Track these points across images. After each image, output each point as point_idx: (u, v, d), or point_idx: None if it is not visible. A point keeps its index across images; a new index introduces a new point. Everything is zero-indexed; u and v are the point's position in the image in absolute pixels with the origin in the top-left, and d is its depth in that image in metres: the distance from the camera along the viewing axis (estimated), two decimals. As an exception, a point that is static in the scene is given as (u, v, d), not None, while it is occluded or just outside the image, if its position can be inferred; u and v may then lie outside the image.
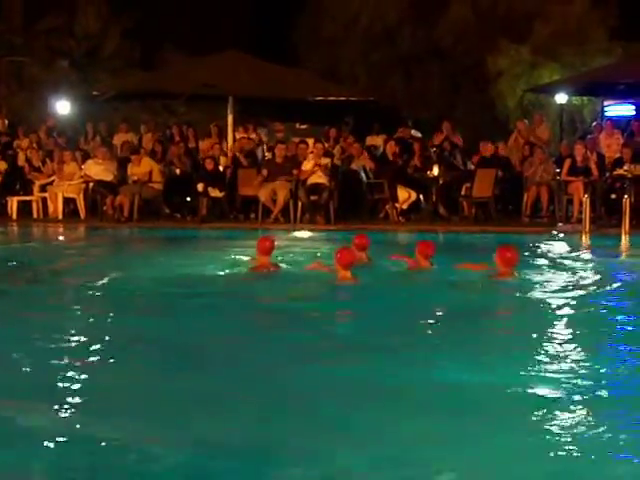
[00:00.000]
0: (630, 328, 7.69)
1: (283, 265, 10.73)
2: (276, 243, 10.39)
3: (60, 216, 19.37)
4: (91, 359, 6.33)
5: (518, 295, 9.00)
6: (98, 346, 6.68)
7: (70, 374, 5.88)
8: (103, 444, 4.54)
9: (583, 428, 4.76)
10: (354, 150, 19.20)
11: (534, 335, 7.04)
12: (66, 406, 5.13)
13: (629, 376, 5.95)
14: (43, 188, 19.81)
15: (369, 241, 10.74)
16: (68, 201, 19.64)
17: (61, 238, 17.55)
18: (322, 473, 4.23)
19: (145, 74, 24.12)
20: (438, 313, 8.15)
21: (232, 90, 20.12)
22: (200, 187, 18.59)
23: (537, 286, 9.37)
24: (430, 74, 27.19)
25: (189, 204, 19.15)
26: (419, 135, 20.34)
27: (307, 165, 18.29)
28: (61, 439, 4.60)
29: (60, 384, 5.60)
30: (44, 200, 19.77)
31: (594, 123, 21.32)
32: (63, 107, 22.93)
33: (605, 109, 22.93)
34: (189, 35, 27.95)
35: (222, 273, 10.68)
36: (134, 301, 9.03)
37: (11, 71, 26.67)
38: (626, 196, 15.54)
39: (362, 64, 27.84)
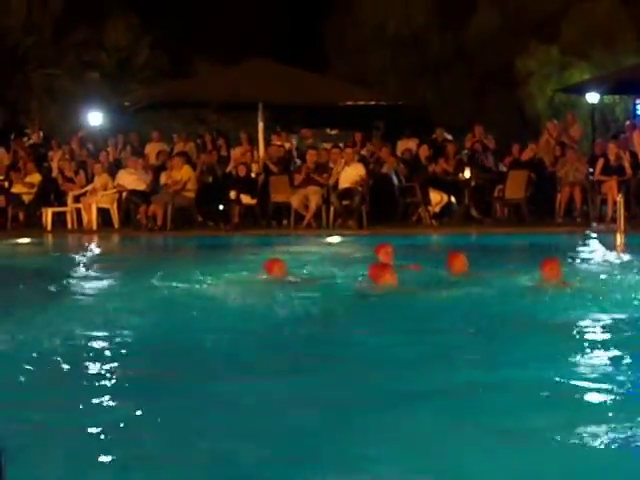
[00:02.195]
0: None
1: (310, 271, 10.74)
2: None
3: (94, 226, 19.50)
4: (120, 370, 6.42)
5: (553, 297, 8.94)
6: (125, 358, 6.79)
7: (99, 380, 5.97)
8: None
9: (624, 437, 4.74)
10: (383, 154, 19.21)
11: (571, 339, 7.02)
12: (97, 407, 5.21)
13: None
14: (77, 199, 19.96)
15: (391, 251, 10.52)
16: (102, 211, 19.77)
17: (96, 248, 17.66)
18: None
19: (175, 83, 24.23)
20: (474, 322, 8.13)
21: (262, 98, 20.20)
22: (232, 194, 18.67)
23: (573, 287, 9.30)
24: (459, 77, 27.12)
25: (222, 212, 19.22)
26: (450, 138, 20.31)
27: (338, 169, 18.33)
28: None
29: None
30: (78, 211, 19.91)
31: (627, 122, 21.18)
32: (95, 118, 23.10)
33: (637, 107, 22.76)
34: (218, 44, 28.05)
35: (248, 280, 10.66)
36: (165, 309, 9.11)
37: (43, 84, 26.90)
38: (660, 195, 15.43)
39: (391, 69, 27.81)
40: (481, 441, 4.59)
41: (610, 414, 5.04)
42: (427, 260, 12.30)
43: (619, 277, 10.49)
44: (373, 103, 21.39)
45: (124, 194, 19.57)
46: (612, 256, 13.01)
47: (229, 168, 19.93)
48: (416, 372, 6.10)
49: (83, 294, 10.20)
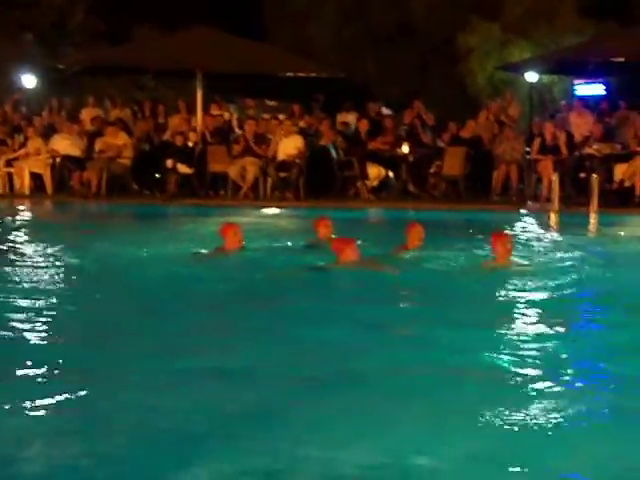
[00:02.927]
0: (596, 305, 7.75)
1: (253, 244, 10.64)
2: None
3: (27, 191, 19.15)
4: (47, 334, 6.31)
5: (485, 274, 8.98)
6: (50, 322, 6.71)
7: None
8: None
9: (539, 408, 4.78)
10: (323, 127, 19.11)
11: (500, 316, 7.07)
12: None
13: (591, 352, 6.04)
14: (9, 163, 19.57)
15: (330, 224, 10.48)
16: (35, 176, 19.41)
17: (28, 214, 17.36)
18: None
19: (112, 48, 23.79)
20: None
21: (201, 66, 19.96)
22: (169, 163, 18.47)
23: (509, 265, 9.34)
24: (401, 51, 27.06)
25: (158, 180, 18.99)
26: (390, 112, 20.27)
27: (277, 140, 18.23)
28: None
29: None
30: (10, 175, 19.54)
31: (563, 102, 21.35)
32: (29, 81, 22.61)
33: (575, 88, 22.96)
34: (157, 9, 27.60)
35: (184, 251, 10.53)
36: (92, 277, 9.01)
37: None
38: (595, 175, 15.57)
39: (332, 40, 27.65)
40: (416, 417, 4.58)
41: (543, 390, 5.07)
42: (366, 234, 12.30)
43: (552, 255, 10.60)
44: (314, 75, 21.24)
45: (58, 159, 19.24)
46: (546, 234, 13.15)
47: (166, 136, 19.70)
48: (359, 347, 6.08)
49: (10, 260, 10.00)
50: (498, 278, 8.73)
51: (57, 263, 9.85)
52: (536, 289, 8.30)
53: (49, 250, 10.81)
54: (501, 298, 7.98)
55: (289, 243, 11.27)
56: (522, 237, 12.46)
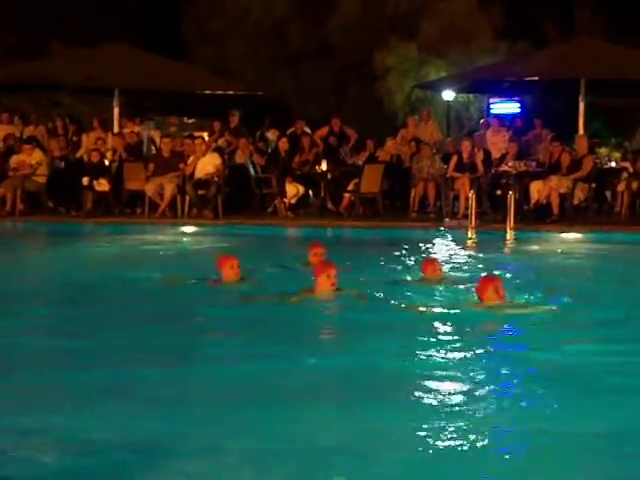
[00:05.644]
0: (513, 322, 7.78)
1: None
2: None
3: (-62, 210, 18.70)
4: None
5: (401, 290, 9.00)
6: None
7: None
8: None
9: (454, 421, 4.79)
10: (241, 145, 19.07)
11: (417, 330, 7.08)
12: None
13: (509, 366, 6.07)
14: None
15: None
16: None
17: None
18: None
19: (28, 64, 23.39)
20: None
21: (118, 82, 19.77)
22: (85, 181, 18.23)
23: (423, 280, 9.39)
24: (319, 70, 27.22)
25: (73, 198, 18.70)
26: (308, 131, 20.31)
27: (194, 158, 18.11)
28: None
29: None
30: None
31: (482, 120, 21.64)
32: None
33: (491, 106, 23.30)
34: (75, 26, 27.32)
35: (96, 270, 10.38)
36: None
37: None
38: (511, 192, 15.79)
39: (251, 59, 27.70)
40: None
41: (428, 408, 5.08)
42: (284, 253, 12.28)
43: (467, 271, 10.67)
44: (231, 92, 21.23)
45: (-29, 177, 18.84)
46: (462, 251, 13.27)
47: (80, 153, 19.46)
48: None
49: None
50: (415, 294, 8.76)
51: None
52: (447, 304, 8.31)
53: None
54: (416, 312, 8.00)
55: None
56: (439, 253, 12.57)
